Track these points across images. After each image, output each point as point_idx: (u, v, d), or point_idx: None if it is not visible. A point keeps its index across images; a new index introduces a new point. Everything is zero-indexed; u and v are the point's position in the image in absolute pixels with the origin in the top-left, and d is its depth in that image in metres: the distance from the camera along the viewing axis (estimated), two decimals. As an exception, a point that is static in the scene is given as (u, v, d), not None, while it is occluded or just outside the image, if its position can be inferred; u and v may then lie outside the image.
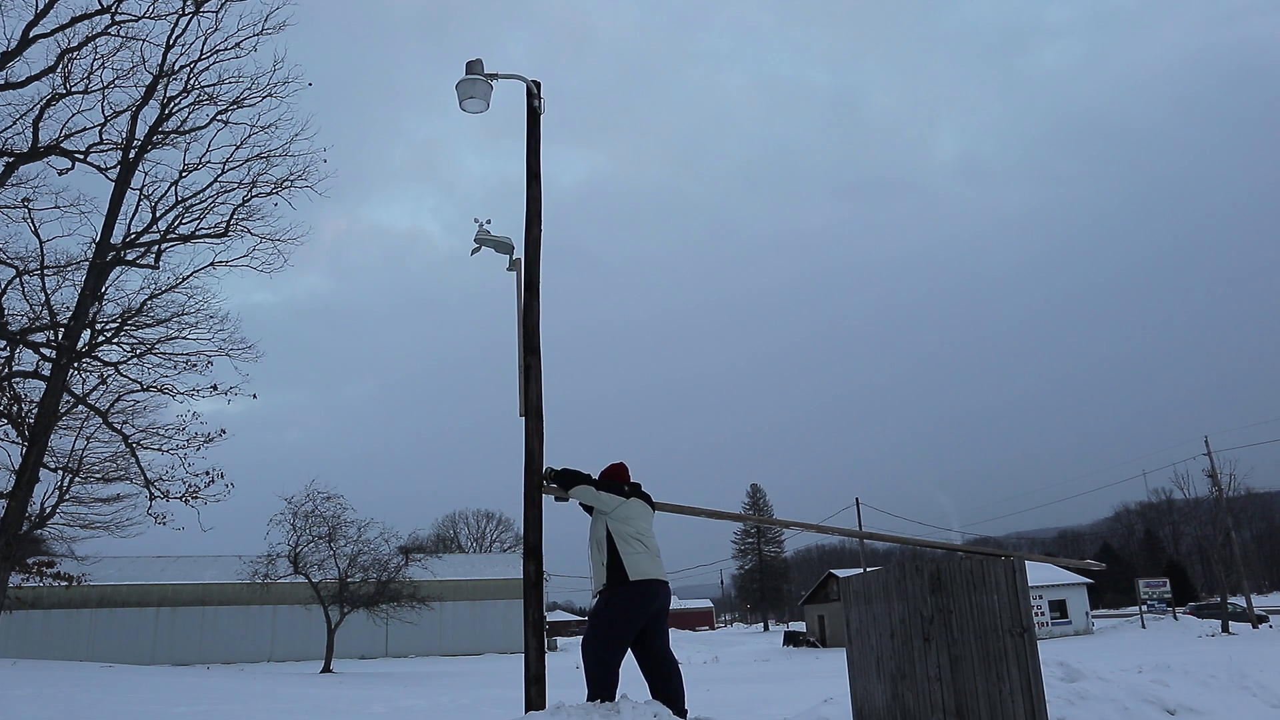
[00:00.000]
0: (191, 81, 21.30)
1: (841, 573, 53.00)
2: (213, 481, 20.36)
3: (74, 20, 19.27)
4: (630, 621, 5.64)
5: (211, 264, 21.59)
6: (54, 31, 19.17)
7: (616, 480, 6.18)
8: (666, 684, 5.71)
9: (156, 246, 21.27)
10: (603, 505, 5.92)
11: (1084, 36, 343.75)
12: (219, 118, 21.42)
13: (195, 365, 20.61)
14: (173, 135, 21.20)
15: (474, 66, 7.30)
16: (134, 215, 21.12)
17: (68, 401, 20.19)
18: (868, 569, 8.63)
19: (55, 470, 21.48)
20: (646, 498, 6.17)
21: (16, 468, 19.10)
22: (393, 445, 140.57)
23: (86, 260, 19.99)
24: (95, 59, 19.69)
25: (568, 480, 6.14)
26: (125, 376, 20.59)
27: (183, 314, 20.78)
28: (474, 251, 7.33)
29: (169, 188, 21.36)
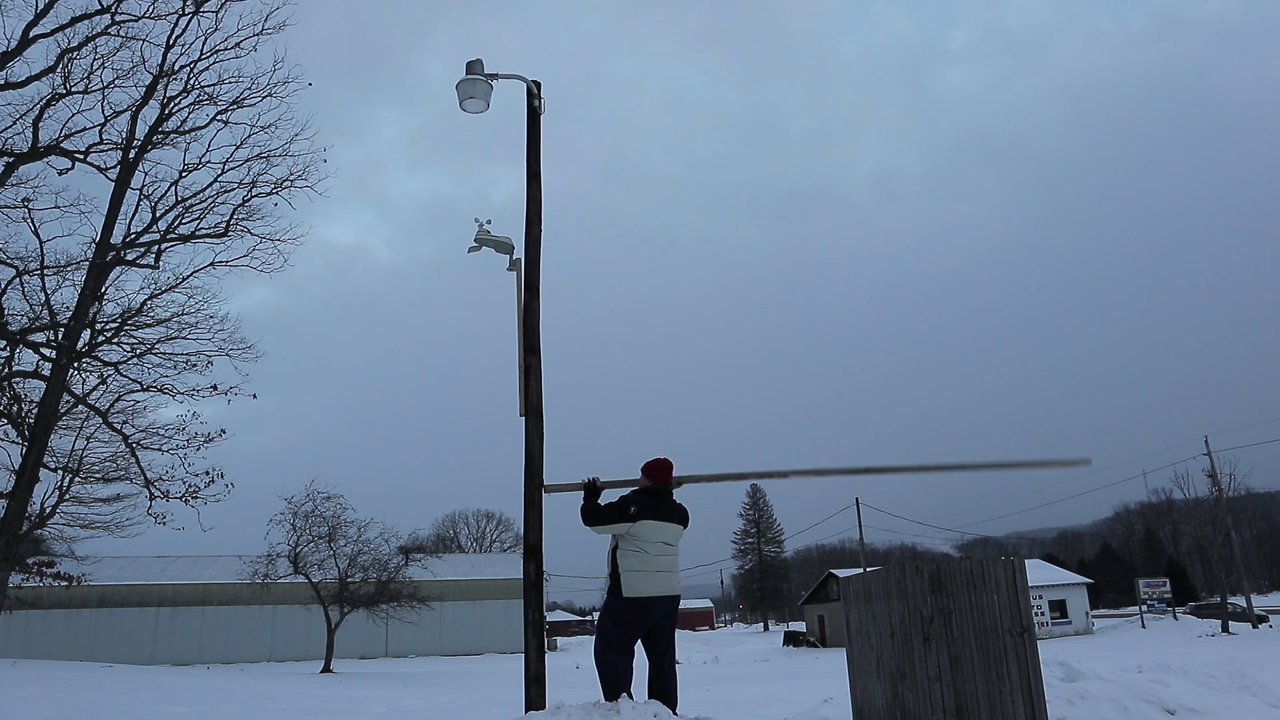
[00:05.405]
0: (191, 81, 21.31)
1: (841, 573, 52.99)
2: (213, 481, 20.36)
3: (74, 20, 19.28)
4: (623, 633, 5.82)
5: (211, 264, 21.60)
6: (54, 31, 19.17)
7: (654, 479, 6.07)
8: (660, 689, 5.90)
9: (156, 246, 21.26)
10: (611, 532, 5.93)
11: (985, 61, 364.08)
12: (219, 118, 21.43)
13: (195, 365, 20.62)
14: (173, 135, 21.21)
15: (474, 66, 7.27)
16: (134, 215, 21.13)
17: (68, 401, 20.18)
18: (868, 569, 8.62)
19: (55, 470, 21.45)
20: (670, 507, 5.99)
21: (16, 468, 19.08)
22: (370, 446, 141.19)
23: (86, 260, 19.98)
24: (95, 59, 19.71)
25: (586, 507, 6.08)
26: (125, 376, 20.59)
27: (183, 314, 20.79)
28: (472, 250, 7.31)
29: (169, 188, 21.36)
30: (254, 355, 21.14)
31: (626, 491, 6.10)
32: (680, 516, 6.06)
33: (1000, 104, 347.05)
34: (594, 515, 5.95)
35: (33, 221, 19.42)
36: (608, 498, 6.15)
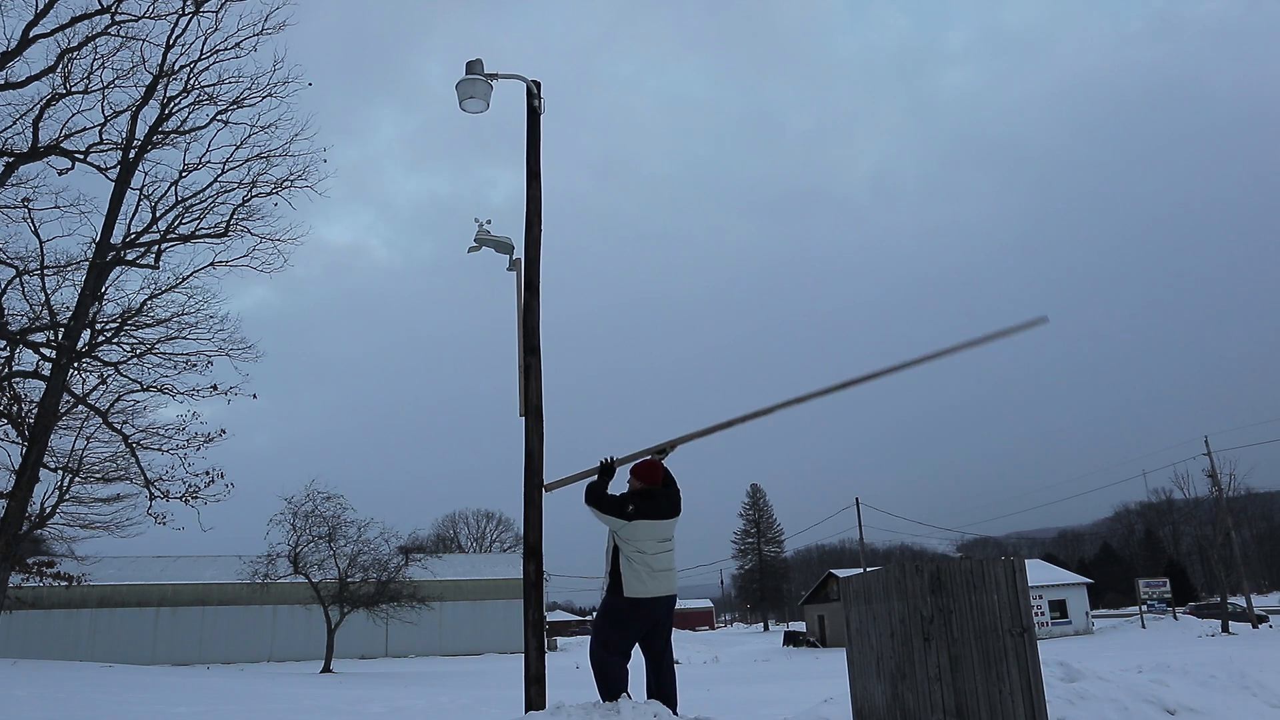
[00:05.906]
0: (191, 81, 21.33)
1: (841, 573, 53.00)
2: (213, 481, 20.37)
3: (74, 20, 19.29)
4: (622, 632, 5.78)
5: (211, 264, 21.61)
6: (54, 31, 19.18)
7: (647, 479, 6.01)
8: (659, 689, 5.88)
9: (156, 246, 21.28)
10: (607, 525, 5.89)
11: (983, 62, 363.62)
12: (219, 118, 21.45)
13: (195, 365, 20.62)
14: (173, 135, 21.23)
15: (474, 66, 7.27)
16: (134, 215, 21.16)
17: (68, 401, 20.18)
18: (868, 569, 8.62)
19: (55, 470, 21.46)
20: (667, 503, 5.96)
21: (16, 468, 19.09)
22: (370, 446, 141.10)
23: (86, 260, 19.99)
24: (95, 59, 19.73)
25: (595, 486, 6.05)
26: (125, 376, 20.60)
27: (183, 314, 20.80)
28: (472, 250, 7.32)
29: (169, 188, 21.39)
30: (254, 355, 21.18)
31: (625, 490, 6.09)
32: (674, 508, 6.01)
33: (998, 104, 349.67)
34: (598, 497, 5.90)
35: (33, 221, 19.45)
36: (619, 478, 6.13)
